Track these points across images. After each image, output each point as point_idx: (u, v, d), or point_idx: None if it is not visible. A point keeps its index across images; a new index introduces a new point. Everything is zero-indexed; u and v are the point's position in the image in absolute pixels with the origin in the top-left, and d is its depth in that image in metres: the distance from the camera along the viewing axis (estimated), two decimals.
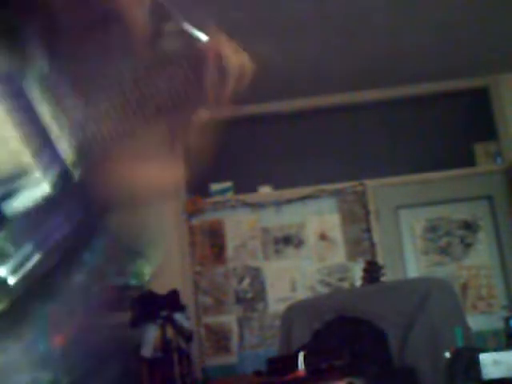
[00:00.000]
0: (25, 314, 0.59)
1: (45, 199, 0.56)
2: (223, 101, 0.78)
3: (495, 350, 3.08)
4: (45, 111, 0.55)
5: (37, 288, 0.59)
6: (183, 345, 4.16)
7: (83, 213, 0.62)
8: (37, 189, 0.54)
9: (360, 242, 4.85)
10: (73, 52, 0.60)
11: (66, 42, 0.59)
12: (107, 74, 0.63)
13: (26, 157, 0.54)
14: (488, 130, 5.04)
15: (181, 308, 4.28)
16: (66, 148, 0.56)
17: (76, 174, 0.57)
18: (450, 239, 4.88)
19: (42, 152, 0.54)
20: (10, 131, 0.53)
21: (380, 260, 4.59)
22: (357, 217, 4.89)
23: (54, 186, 0.56)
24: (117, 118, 0.62)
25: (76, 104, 0.58)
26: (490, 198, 4.91)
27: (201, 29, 0.77)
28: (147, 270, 0.80)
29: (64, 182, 0.56)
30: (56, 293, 0.61)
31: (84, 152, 0.58)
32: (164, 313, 4.11)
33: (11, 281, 0.57)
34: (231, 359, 4.74)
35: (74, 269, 0.64)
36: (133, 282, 0.79)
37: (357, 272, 4.50)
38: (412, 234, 4.92)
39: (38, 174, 0.55)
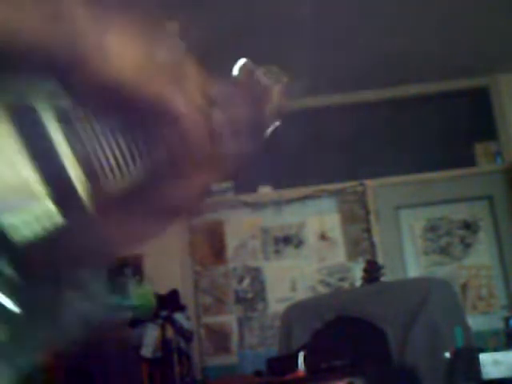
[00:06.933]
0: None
1: (55, 229, 0.55)
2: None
3: (495, 349, 3.09)
4: (59, 142, 0.54)
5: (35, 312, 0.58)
6: (183, 345, 4.16)
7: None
8: (47, 218, 0.53)
9: (360, 242, 4.85)
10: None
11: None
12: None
13: (37, 185, 0.52)
14: (488, 130, 5.04)
15: (181, 308, 4.28)
16: (78, 179, 0.55)
17: (88, 206, 0.56)
18: (450, 239, 4.87)
19: (54, 181, 0.54)
20: (22, 159, 0.52)
21: (380, 260, 4.58)
22: (357, 217, 4.89)
23: (65, 216, 0.54)
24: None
25: (89, 136, 0.56)
26: (490, 198, 4.91)
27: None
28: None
29: (76, 214, 0.55)
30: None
31: (95, 186, 0.56)
32: (164, 313, 4.11)
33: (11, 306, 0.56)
34: (231, 359, 4.74)
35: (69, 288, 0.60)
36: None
37: (357, 272, 4.50)
38: (412, 233, 4.92)
39: (49, 204, 0.54)
